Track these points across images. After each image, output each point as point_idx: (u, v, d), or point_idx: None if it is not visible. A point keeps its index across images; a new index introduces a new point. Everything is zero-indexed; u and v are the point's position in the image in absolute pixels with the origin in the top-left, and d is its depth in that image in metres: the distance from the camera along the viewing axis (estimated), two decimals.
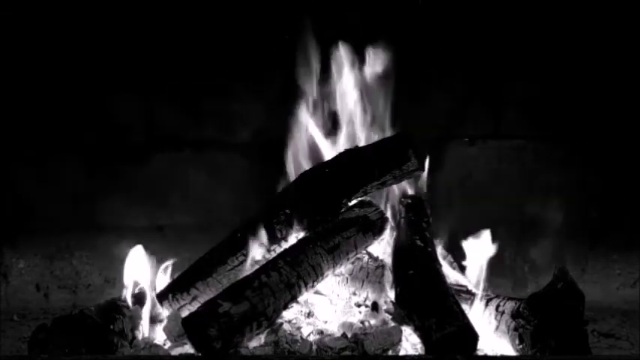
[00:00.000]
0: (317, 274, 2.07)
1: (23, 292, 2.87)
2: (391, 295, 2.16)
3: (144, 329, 2.11)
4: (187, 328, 1.88)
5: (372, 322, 2.12)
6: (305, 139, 2.50)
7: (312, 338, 2.03)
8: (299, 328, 2.07)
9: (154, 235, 2.82)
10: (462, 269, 2.35)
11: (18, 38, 2.77)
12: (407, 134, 2.31)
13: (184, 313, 2.05)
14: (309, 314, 2.15)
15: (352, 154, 2.30)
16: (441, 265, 2.17)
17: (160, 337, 2.13)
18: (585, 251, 2.91)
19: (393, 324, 2.09)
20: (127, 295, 2.14)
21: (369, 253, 2.27)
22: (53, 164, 2.85)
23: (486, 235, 2.32)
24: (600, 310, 2.70)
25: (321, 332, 2.07)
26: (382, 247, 2.33)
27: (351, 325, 2.09)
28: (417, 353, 1.99)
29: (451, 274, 2.31)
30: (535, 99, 2.85)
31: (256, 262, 2.18)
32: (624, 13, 2.77)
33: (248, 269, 2.13)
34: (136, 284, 2.18)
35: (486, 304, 2.13)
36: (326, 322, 2.14)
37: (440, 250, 2.37)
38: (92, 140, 2.86)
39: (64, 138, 2.85)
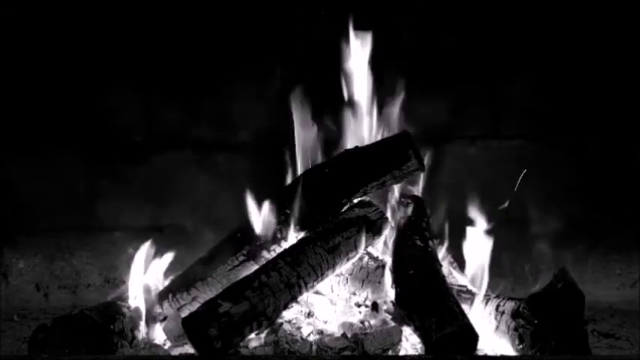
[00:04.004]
0: (317, 274, 2.07)
1: (23, 292, 2.87)
2: (391, 295, 2.16)
3: (144, 329, 2.11)
4: (187, 328, 1.88)
5: (372, 322, 2.12)
6: (305, 139, 2.50)
7: (312, 338, 2.03)
8: (299, 328, 2.07)
9: (154, 235, 2.81)
10: (462, 269, 2.34)
11: (18, 38, 2.77)
12: (407, 134, 2.30)
13: (184, 313, 2.05)
14: (309, 314, 2.15)
15: (352, 154, 2.30)
16: (441, 265, 2.17)
17: (160, 337, 2.13)
18: (585, 251, 2.91)
19: (393, 324, 2.09)
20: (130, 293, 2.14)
21: (369, 253, 2.27)
22: (53, 164, 2.84)
23: (486, 234, 2.32)
24: (600, 310, 2.70)
25: (321, 332, 2.07)
26: (382, 247, 2.33)
27: (351, 325, 2.09)
28: (417, 353, 1.99)
29: (451, 274, 2.32)
30: (535, 99, 2.84)
31: (256, 262, 2.18)
32: (624, 16, 2.78)
33: (249, 269, 2.13)
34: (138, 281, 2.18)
35: (486, 304, 2.13)
36: (326, 322, 2.14)
37: (440, 250, 2.37)
38: (92, 140, 2.85)
39: (64, 138, 2.84)
